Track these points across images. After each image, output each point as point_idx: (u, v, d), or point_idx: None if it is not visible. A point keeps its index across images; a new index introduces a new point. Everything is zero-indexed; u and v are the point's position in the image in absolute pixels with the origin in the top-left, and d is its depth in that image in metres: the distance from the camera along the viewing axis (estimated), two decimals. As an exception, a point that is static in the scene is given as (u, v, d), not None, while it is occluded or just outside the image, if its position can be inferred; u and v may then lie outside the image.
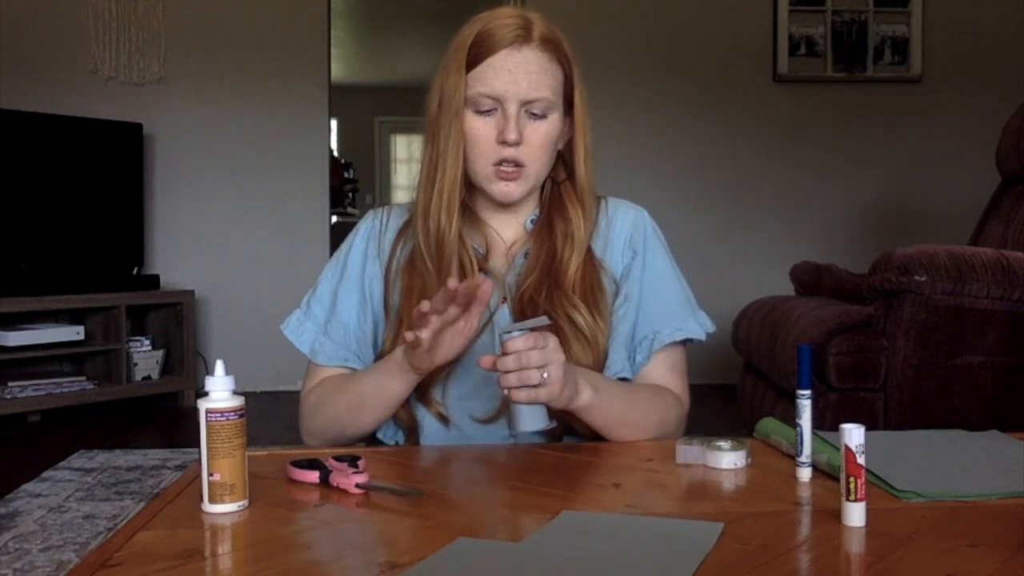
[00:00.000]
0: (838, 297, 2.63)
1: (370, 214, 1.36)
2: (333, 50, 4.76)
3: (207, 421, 0.91)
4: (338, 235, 6.04)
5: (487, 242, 1.28)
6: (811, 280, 2.91)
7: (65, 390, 3.82)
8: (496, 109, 1.20)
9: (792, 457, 1.02)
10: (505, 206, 1.27)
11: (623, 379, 1.24)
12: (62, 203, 4.03)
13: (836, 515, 0.85)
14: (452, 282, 1.03)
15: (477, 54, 1.20)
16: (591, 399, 1.12)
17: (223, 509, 0.90)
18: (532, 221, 1.29)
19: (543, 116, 1.21)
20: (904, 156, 4.63)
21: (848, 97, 4.61)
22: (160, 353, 4.14)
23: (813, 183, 4.63)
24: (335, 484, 0.97)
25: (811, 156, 4.62)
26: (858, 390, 2.28)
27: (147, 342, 4.11)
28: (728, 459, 1.04)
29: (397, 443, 1.25)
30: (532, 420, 1.05)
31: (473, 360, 1.12)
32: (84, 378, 3.95)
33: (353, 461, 0.98)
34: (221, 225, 4.51)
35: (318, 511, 0.93)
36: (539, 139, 1.21)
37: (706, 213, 4.57)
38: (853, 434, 0.83)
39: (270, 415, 3.82)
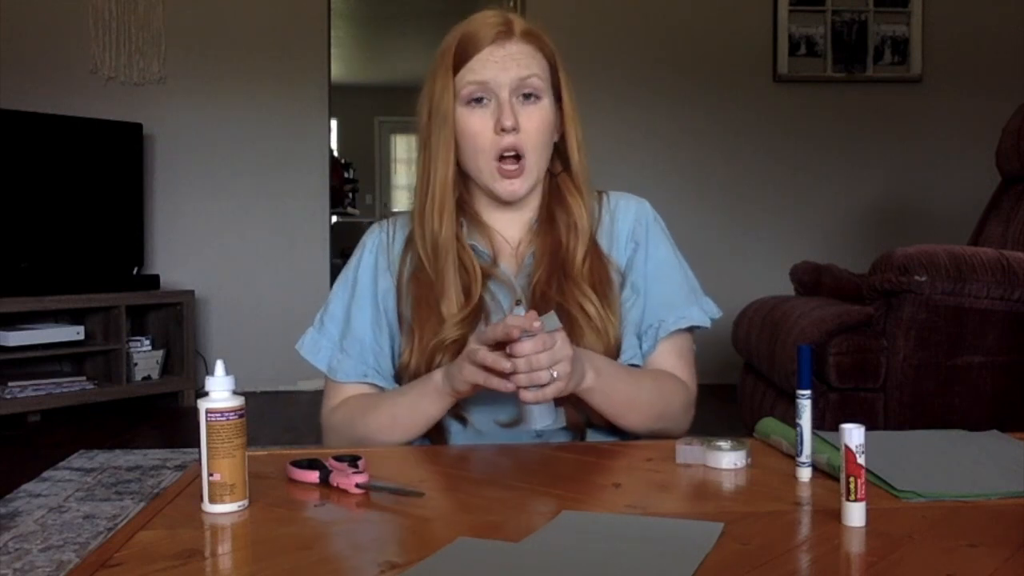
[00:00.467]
0: (838, 297, 2.63)
1: (375, 227, 1.35)
2: (333, 50, 4.76)
3: (207, 421, 0.91)
4: (338, 235, 6.04)
5: (493, 246, 1.28)
6: (811, 280, 2.91)
7: (65, 390, 3.82)
8: (489, 100, 1.21)
9: (792, 457, 1.02)
10: (508, 204, 1.27)
11: (634, 365, 1.25)
12: (62, 203, 4.03)
13: (836, 515, 0.85)
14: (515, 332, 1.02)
15: (463, 55, 1.21)
16: (594, 382, 1.13)
17: (223, 509, 0.90)
18: (536, 221, 1.29)
19: (536, 99, 1.22)
20: (904, 156, 4.63)
21: (848, 97, 4.61)
22: (160, 353, 4.14)
23: (813, 183, 4.63)
24: (335, 484, 0.97)
25: (811, 156, 4.62)
26: (858, 390, 2.28)
27: (147, 342, 4.11)
28: (728, 459, 1.04)
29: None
30: (542, 418, 1.07)
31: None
32: (84, 378, 3.95)
33: (353, 461, 0.98)
34: (221, 225, 4.51)
35: (318, 511, 0.93)
36: (535, 124, 1.22)
37: (706, 213, 4.57)
38: (853, 434, 0.83)
39: (270, 415, 3.83)
